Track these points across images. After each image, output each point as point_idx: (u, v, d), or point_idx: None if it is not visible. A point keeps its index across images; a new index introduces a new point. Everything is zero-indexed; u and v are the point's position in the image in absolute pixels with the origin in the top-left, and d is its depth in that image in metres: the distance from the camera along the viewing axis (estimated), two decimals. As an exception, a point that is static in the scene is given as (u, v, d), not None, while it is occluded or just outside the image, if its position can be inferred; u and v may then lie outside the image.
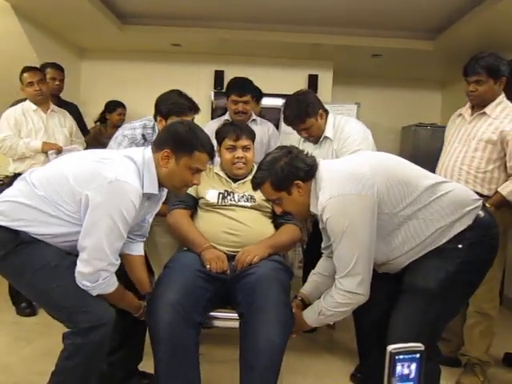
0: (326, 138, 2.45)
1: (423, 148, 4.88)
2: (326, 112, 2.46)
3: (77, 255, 1.56)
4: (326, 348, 2.74)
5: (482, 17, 3.49)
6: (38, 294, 1.60)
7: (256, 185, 1.73)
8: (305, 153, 1.72)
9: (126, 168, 1.57)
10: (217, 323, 1.93)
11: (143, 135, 2.29)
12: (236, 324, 1.82)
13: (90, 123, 4.02)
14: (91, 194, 1.50)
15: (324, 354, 2.62)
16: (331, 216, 1.54)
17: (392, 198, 1.57)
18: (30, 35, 3.79)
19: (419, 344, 0.64)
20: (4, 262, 1.55)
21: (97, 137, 4.08)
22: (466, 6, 3.55)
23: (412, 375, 0.64)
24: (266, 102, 3.85)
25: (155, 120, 2.27)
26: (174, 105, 2.16)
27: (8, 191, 1.62)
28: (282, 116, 4.09)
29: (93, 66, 4.97)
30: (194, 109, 2.20)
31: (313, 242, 2.23)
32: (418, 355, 0.64)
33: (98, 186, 1.50)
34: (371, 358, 1.85)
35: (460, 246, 1.56)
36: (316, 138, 2.47)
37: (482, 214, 1.60)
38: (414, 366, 0.64)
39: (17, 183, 1.65)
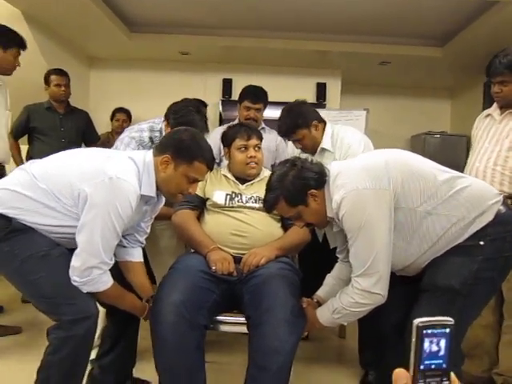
0: (323, 149, 2.33)
1: (433, 157, 4.78)
2: (324, 123, 2.36)
3: (71, 249, 1.55)
4: (335, 357, 2.68)
5: (491, 23, 3.47)
6: (24, 282, 1.58)
7: (270, 206, 1.67)
8: (309, 160, 1.69)
9: (127, 167, 1.58)
10: (224, 328, 1.88)
11: (151, 138, 2.26)
12: (243, 329, 1.77)
13: (98, 131, 4.04)
14: (90, 190, 1.50)
15: (333, 363, 2.55)
16: (347, 211, 1.49)
17: (411, 192, 1.52)
18: (40, 43, 3.84)
19: (449, 318, 0.56)
20: None
21: (105, 144, 4.10)
22: (474, 12, 3.53)
23: (442, 352, 0.56)
24: (274, 110, 3.81)
25: (165, 120, 2.23)
26: (186, 123, 2.00)
27: (5, 180, 1.63)
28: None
29: (102, 74, 5.02)
30: (206, 130, 2.18)
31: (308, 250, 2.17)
32: (448, 330, 0.56)
33: (98, 181, 1.50)
34: (387, 363, 1.76)
35: (482, 242, 1.50)
36: (311, 149, 2.35)
37: (503, 209, 1.53)
38: (443, 343, 0.56)
39: (16, 172, 1.65)
